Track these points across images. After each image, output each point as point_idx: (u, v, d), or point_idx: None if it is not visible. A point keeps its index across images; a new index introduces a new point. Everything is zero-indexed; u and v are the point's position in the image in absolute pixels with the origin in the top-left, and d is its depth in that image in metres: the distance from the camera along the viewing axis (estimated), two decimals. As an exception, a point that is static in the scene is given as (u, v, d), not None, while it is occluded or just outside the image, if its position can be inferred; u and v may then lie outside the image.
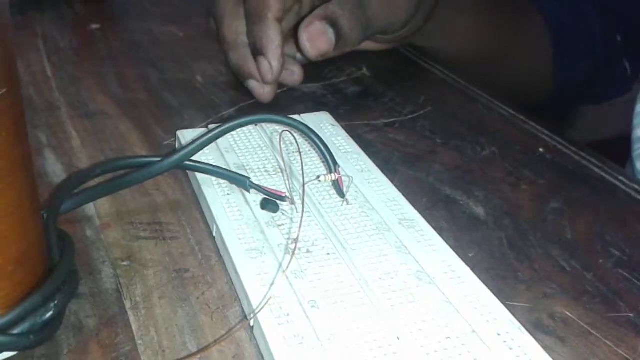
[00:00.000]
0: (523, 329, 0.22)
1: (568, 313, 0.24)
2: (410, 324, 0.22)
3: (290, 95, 0.40)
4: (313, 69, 0.43)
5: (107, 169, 0.28)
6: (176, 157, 0.28)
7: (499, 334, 0.21)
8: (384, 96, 0.41)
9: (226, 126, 0.28)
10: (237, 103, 0.39)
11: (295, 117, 0.34)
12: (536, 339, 0.22)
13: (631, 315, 0.24)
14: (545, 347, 0.21)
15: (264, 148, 0.31)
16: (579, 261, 0.27)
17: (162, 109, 0.38)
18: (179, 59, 0.45)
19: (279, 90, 0.40)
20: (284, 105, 0.39)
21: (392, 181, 0.30)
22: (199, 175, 0.29)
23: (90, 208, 0.28)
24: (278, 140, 0.31)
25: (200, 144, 0.28)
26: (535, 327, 0.23)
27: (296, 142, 0.28)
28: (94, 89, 0.40)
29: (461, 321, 0.22)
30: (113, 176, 0.28)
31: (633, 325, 0.24)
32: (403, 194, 0.29)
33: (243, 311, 0.23)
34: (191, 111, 0.38)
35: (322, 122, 0.34)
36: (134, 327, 0.23)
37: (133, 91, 0.40)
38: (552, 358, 0.21)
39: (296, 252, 0.25)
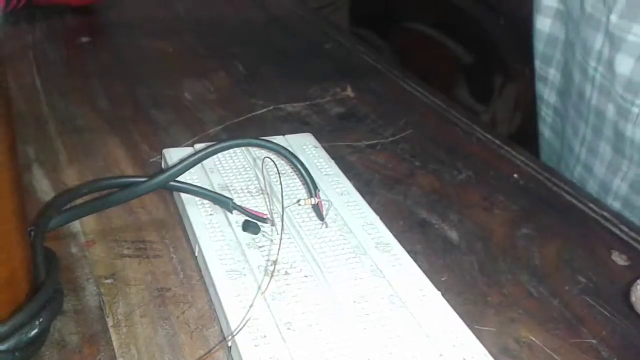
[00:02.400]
0: (488, 354, 0.23)
1: (533, 338, 0.25)
2: (382, 347, 0.23)
3: (275, 115, 0.41)
4: (299, 88, 0.45)
5: (94, 189, 0.29)
6: (161, 177, 0.29)
7: (464, 359, 0.22)
8: (366, 117, 0.42)
9: (211, 149, 0.29)
10: (224, 121, 0.40)
11: (279, 138, 0.35)
12: (501, 364, 0.23)
13: (594, 341, 0.26)
14: (510, 371, 0.23)
15: (248, 169, 0.32)
16: (546, 287, 0.28)
17: (149, 125, 0.39)
18: (168, 76, 0.45)
19: (264, 109, 0.41)
20: (269, 124, 0.40)
21: (370, 204, 0.31)
22: (184, 195, 0.30)
23: (75, 225, 0.29)
24: (261, 164, 0.32)
25: (186, 166, 0.29)
26: (501, 352, 0.24)
27: (276, 168, 0.29)
28: (83, 104, 0.41)
29: (430, 345, 0.23)
30: (99, 195, 0.29)
31: (595, 352, 0.25)
32: (381, 217, 0.30)
33: (222, 331, 0.24)
34: (178, 128, 0.39)
35: (305, 144, 0.35)
36: (115, 345, 0.23)
37: (121, 107, 0.41)
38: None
39: (275, 273, 0.26)
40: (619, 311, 0.27)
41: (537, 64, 0.48)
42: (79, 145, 0.36)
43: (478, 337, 0.23)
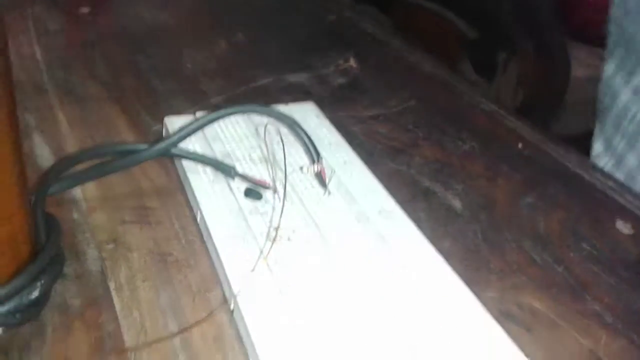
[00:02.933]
0: (490, 317, 0.23)
1: (536, 304, 0.25)
2: (383, 310, 0.23)
3: (277, 85, 0.41)
4: (301, 59, 0.44)
5: (94, 155, 0.29)
6: (163, 144, 0.29)
7: (467, 323, 0.22)
8: (369, 88, 0.42)
9: (213, 115, 0.29)
10: (225, 91, 0.39)
11: (282, 107, 0.35)
12: (504, 328, 0.23)
13: (597, 307, 0.26)
14: (512, 336, 0.22)
15: (250, 137, 0.32)
16: (550, 254, 0.28)
17: (150, 95, 0.39)
18: (169, 46, 0.45)
19: (266, 80, 0.41)
20: (271, 94, 0.40)
21: (373, 172, 0.31)
22: (185, 163, 0.30)
23: (77, 192, 0.29)
24: (263, 131, 0.31)
25: (187, 132, 0.29)
26: (504, 316, 0.24)
27: (280, 135, 0.28)
28: (83, 74, 0.40)
29: (433, 309, 0.23)
30: (100, 161, 0.29)
31: (599, 317, 0.25)
32: (384, 186, 0.30)
33: (224, 294, 0.24)
34: (179, 98, 0.38)
35: (307, 113, 0.35)
36: (117, 308, 0.23)
37: (122, 76, 0.41)
38: (518, 346, 0.22)
39: (277, 239, 0.25)
40: (623, 278, 0.27)
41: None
42: (79, 114, 0.36)
43: (481, 302, 0.23)
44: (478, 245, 0.28)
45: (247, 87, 0.40)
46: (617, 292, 0.26)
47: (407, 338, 0.21)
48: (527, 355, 0.22)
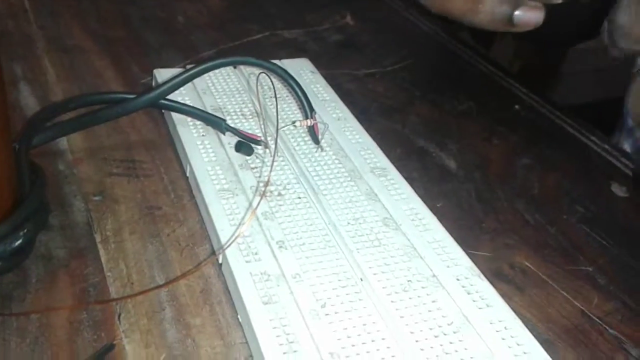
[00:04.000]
0: (482, 275, 0.22)
1: (528, 264, 0.25)
2: (374, 267, 0.22)
3: (271, 41, 0.40)
4: (296, 15, 0.43)
5: (81, 103, 0.28)
6: (152, 94, 0.28)
7: (458, 279, 0.22)
8: (366, 46, 0.41)
9: (204, 66, 0.28)
10: (217, 45, 0.38)
11: (275, 62, 0.34)
12: (495, 287, 0.22)
13: (590, 269, 0.25)
14: (503, 295, 0.22)
15: (242, 91, 0.31)
16: (543, 215, 0.28)
17: (141, 47, 0.38)
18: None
19: (260, 35, 0.40)
20: (265, 50, 0.39)
21: (367, 130, 0.30)
22: (175, 115, 0.29)
23: (63, 142, 0.28)
24: (255, 82, 0.31)
25: (177, 83, 0.28)
26: (495, 276, 0.24)
27: (273, 86, 0.28)
28: (72, 24, 0.39)
29: (423, 266, 0.22)
30: (87, 111, 0.28)
31: (590, 279, 0.25)
32: (378, 144, 0.29)
33: (213, 249, 0.24)
34: (170, 51, 0.37)
35: (302, 69, 0.34)
36: (103, 260, 0.23)
37: (112, 28, 0.39)
38: (509, 305, 0.22)
39: (268, 194, 0.25)
40: (616, 240, 0.27)
41: None
42: (67, 64, 0.35)
43: (473, 261, 0.23)
44: (471, 204, 0.28)
45: (241, 42, 0.39)
46: (610, 255, 0.26)
47: (397, 295, 0.21)
48: (519, 314, 0.21)
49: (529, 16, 0.28)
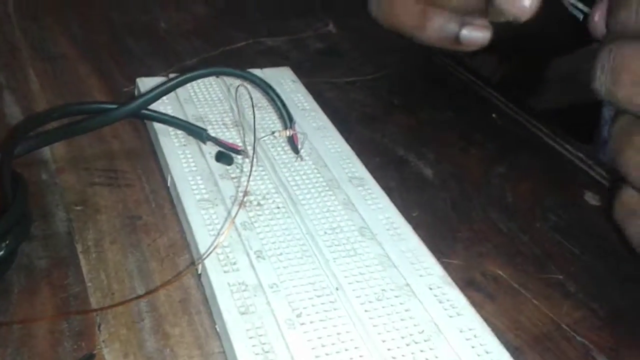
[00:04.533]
0: (454, 284, 0.23)
1: (500, 272, 0.26)
2: (350, 276, 0.23)
3: (255, 49, 0.40)
4: (280, 22, 0.44)
5: (64, 113, 0.28)
6: (134, 104, 0.28)
7: (430, 288, 0.23)
8: (347, 54, 0.41)
9: (185, 76, 0.28)
10: (200, 53, 0.39)
11: (256, 71, 0.35)
12: (467, 295, 0.23)
13: (560, 277, 0.26)
14: (475, 303, 0.23)
15: (223, 100, 0.32)
16: (516, 224, 0.28)
17: (124, 54, 0.38)
18: (144, 4, 0.44)
19: (243, 42, 0.41)
20: (248, 58, 0.39)
21: (347, 140, 0.31)
22: (157, 125, 0.29)
23: (45, 152, 0.29)
24: (235, 92, 0.31)
25: (158, 93, 0.28)
26: (468, 284, 0.25)
27: (250, 97, 0.28)
28: (56, 31, 0.40)
29: (397, 275, 0.23)
30: (70, 121, 0.29)
31: (561, 287, 0.26)
32: (357, 153, 0.30)
33: (193, 259, 0.24)
34: (153, 58, 0.38)
35: (283, 78, 0.35)
36: (84, 270, 0.23)
37: (95, 35, 0.40)
38: (480, 314, 0.22)
39: (247, 204, 0.25)
40: (588, 249, 0.27)
41: None
42: (51, 72, 0.35)
43: (446, 270, 0.24)
44: (446, 213, 0.28)
45: (224, 50, 0.40)
46: (581, 263, 0.27)
47: (371, 304, 0.22)
48: (489, 322, 0.22)
49: (475, 35, 0.29)
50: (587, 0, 0.25)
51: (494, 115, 0.36)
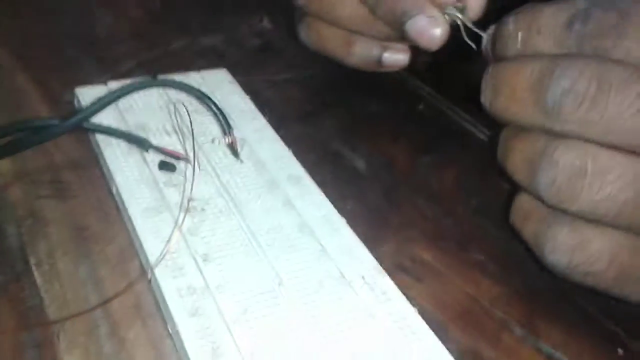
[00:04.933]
0: (383, 272, 0.25)
1: (426, 256, 0.28)
2: (290, 272, 0.25)
3: (191, 49, 0.41)
4: (214, 20, 0.45)
5: (6, 132, 0.29)
6: (75, 119, 0.29)
7: (363, 277, 0.25)
8: (283, 50, 0.43)
9: (123, 90, 0.30)
10: (137, 56, 0.40)
11: (194, 74, 0.36)
12: (397, 279, 0.25)
13: (481, 257, 0.29)
14: (405, 287, 0.25)
15: (163, 107, 0.33)
16: (441, 209, 0.31)
17: (60, 61, 0.39)
18: (79, 11, 0.44)
19: (180, 43, 0.41)
20: (185, 59, 0.40)
21: (284, 138, 0.33)
22: (99, 136, 0.31)
23: (-10, 168, 0.30)
24: (173, 104, 0.32)
25: (98, 107, 0.29)
26: (397, 269, 0.27)
27: (187, 111, 0.30)
28: (-10, 40, 0.40)
29: (333, 267, 0.25)
30: (12, 138, 0.29)
31: (482, 266, 0.28)
32: (294, 151, 0.32)
33: (142, 265, 0.26)
34: (90, 64, 0.39)
35: (220, 80, 0.36)
36: (39, 282, 0.25)
37: (30, 42, 0.40)
38: (409, 296, 0.25)
39: (191, 210, 0.27)
40: (507, 230, 0.30)
41: None
42: (-12, 84, 0.36)
43: (377, 257, 0.26)
44: (378, 203, 0.31)
45: (160, 51, 0.41)
46: (500, 243, 0.30)
47: (309, 296, 0.24)
48: (417, 303, 0.25)
49: (395, 58, 0.32)
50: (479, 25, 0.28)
51: (420, 106, 0.38)
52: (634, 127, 0.22)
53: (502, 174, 0.26)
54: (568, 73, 0.22)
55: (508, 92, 0.24)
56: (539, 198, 0.24)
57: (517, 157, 0.25)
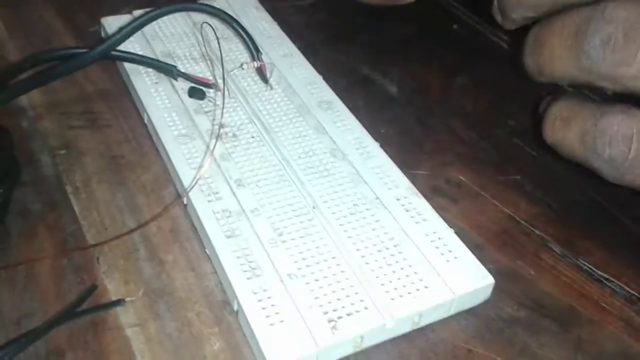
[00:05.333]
0: (419, 194, 0.25)
1: (462, 178, 0.28)
2: (324, 195, 0.25)
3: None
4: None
5: (35, 62, 0.29)
6: (102, 47, 0.29)
7: (398, 199, 0.25)
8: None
9: (149, 15, 0.29)
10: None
11: (220, 0, 0.35)
12: (433, 202, 0.25)
13: (518, 177, 0.28)
14: (440, 208, 0.25)
15: (189, 34, 0.32)
16: (476, 132, 0.30)
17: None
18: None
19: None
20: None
21: (314, 64, 0.32)
22: (127, 65, 0.30)
23: (23, 100, 0.30)
24: (200, 29, 0.32)
25: (125, 34, 0.29)
26: (433, 192, 0.27)
27: (215, 33, 0.29)
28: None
29: (367, 190, 0.25)
30: (42, 68, 0.29)
31: (519, 187, 0.28)
32: (324, 76, 0.31)
33: (177, 191, 0.26)
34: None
35: (246, 6, 0.35)
36: (76, 210, 0.25)
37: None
38: (445, 217, 0.25)
39: (223, 136, 0.27)
40: (545, 150, 0.29)
41: None
42: (16, 19, 0.35)
43: (412, 181, 0.26)
44: (412, 128, 0.30)
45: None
46: (538, 163, 0.29)
47: (345, 218, 0.24)
48: (453, 224, 0.24)
49: None
50: None
51: (454, 26, 0.37)
52: None
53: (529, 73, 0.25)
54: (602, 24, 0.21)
55: (547, 51, 0.23)
56: (591, 68, 0.22)
57: (556, 39, 0.23)
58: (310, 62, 0.32)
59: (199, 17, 0.33)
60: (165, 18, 0.33)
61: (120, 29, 0.29)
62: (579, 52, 0.22)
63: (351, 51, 0.35)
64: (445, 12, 0.38)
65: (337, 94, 0.30)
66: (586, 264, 0.25)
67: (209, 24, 0.30)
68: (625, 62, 0.21)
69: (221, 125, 0.27)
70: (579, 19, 0.22)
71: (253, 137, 0.27)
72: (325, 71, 0.31)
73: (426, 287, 0.22)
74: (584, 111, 0.23)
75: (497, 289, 0.23)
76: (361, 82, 0.33)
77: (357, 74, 0.33)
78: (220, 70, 0.30)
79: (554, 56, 0.23)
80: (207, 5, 0.29)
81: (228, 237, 0.23)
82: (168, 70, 0.29)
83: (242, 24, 0.30)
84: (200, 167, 0.25)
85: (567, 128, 0.23)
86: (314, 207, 0.24)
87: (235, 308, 0.21)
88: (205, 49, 0.30)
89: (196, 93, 0.29)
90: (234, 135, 0.27)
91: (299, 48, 0.33)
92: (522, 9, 0.24)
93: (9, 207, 0.25)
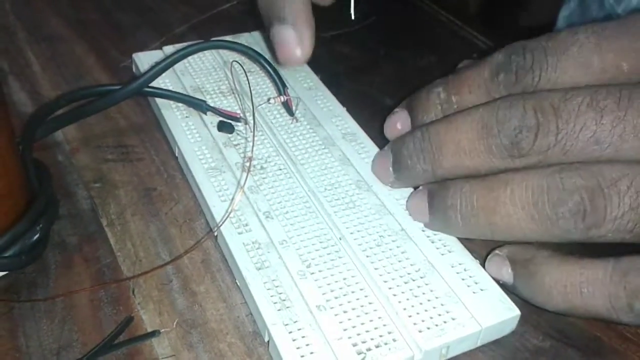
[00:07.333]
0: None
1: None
2: (351, 227, 0.25)
3: (240, 9, 0.42)
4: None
5: (71, 99, 0.30)
6: (135, 84, 0.30)
7: (423, 230, 0.25)
8: (331, 7, 0.42)
9: (180, 53, 0.30)
10: (189, 19, 0.40)
11: (245, 35, 0.36)
12: (457, 233, 0.26)
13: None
14: (463, 239, 0.26)
15: (218, 69, 0.34)
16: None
17: (115, 29, 0.39)
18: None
19: (228, 4, 0.42)
20: (235, 21, 0.40)
21: (337, 95, 0.33)
22: (159, 100, 0.31)
23: (58, 135, 0.31)
24: (230, 65, 0.33)
25: (158, 71, 0.30)
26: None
27: (243, 70, 0.30)
28: (47, 11, 0.41)
29: (393, 221, 0.26)
30: (78, 104, 0.30)
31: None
32: (347, 108, 0.32)
33: (207, 223, 0.27)
34: (144, 30, 0.39)
35: (271, 40, 0.36)
36: (112, 242, 0.26)
37: (85, 11, 0.41)
38: (468, 247, 0.25)
39: (251, 169, 0.28)
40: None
41: None
42: (49, 54, 0.37)
43: (436, 212, 0.26)
44: (435, 158, 0.31)
45: (211, 14, 0.41)
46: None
47: (372, 249, 0.25)
48: (477, 254, 0.25)
49: None
50: None
51: (474, 55, 0.38)
52: (585, 142, 0.22)
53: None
54: (512, 112, 0.23)
55: (453, 149, 0.24)
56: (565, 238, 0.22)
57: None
58: (333, 94, 0.33)
59: (227, 52, 0.34)
60: (194, 55, 0.34)
61: (153, 67, 0.30)
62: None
63: (373, 82, 0.36)
64: (464, 41, 0.39)
65: (361, 125, 0.31)
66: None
67: (237, 62, 0.31)
68: None
69: (250, 159, 0.28)
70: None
71: (280, 169, 0.28)
72: (348, 102, 0.32)
73: (453, 319, 0.22)
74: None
75: (522, 319, 0.23)
76: (383, 113, 0.33)
77: (380, 105, 0.34)
78: (248, 104, 0.31)
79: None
80: (235, 42, 0.30)
81: (258, 268, 0.24)
82: (198, 104, 0.30)
83: (269, 60, 0.31)
84: (232, 200, 0.26)
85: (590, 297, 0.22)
86: (340, 239, 0.25)
87: (267, 339, 0.22)
88: (234, 84, 0.31)
89: (225, 127, 0.30)
90: (262, 168, 0.28)
91: (322, 80, 0.34)
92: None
93: (48, 241, 0.26)
